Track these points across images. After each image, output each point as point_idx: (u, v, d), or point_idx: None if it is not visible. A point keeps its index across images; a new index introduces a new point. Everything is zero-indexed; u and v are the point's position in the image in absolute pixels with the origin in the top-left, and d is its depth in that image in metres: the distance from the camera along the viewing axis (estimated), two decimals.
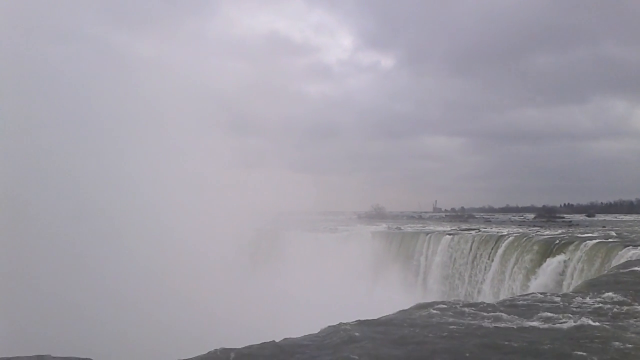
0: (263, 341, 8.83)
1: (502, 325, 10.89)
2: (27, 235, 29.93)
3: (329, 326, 10.38)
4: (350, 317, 11.22)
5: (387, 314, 12.09)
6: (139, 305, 28.04)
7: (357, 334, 9.45)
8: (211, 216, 41.77)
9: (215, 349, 7.80)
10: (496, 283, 36.67)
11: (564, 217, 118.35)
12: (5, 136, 33.36)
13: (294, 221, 55.28)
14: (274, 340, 9.01)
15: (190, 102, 49.21)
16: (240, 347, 8.35)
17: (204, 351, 7.91)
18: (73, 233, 30.93)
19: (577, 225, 72.96)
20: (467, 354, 8.33)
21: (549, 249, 34.52)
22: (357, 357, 8.03)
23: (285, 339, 9.27)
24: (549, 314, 11.92)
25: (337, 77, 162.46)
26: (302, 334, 9.77)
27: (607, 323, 11.10)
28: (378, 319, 11.42)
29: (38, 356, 2.67)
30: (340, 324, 10.38)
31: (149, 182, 39.01)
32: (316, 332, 10.06)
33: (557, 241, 35.18)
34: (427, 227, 65.93)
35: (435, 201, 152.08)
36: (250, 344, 8.57)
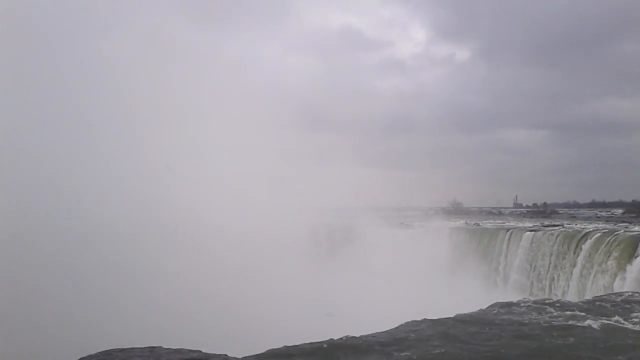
0: (340, 336, 8.96)
1: (587, 324, 10.50)
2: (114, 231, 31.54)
3: (406, 323, 10.41)
4: (426, 314, 11.19)
5: (465, 312, 11.95)
6: (219, 298, 28.96)
7: (433, 331, 9.43)
8: (285, 211, 42.49)
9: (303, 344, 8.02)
10: (581, 281, 35.10)
11: None
12: (100, 136, 35.57)
13: (369, 217, 55.13)
14: (349, 335, 9.14)
15: (266, 99, 50.34)
16: (318, 340, 8.52)
17: (281, 343, 8.12)
18: (161, 232, 32.39)
19: None
20: (548, 357, 8.14)
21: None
22: (433, 355, 8.04)
23: (363, 335, 9.39)
24: None
25: (410, 71, 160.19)
26: (379, 330, 9.83)
27: None
28: (455, 316, 11.32)
29: (150, 347, 2.93)
30: (416, 321, 10.38)
31: (228, 179, 40.21)
32: (392, 328, 10.11)
33: None
34: (507, 223, 63.92)
35: (516, 196, 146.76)
36: (328, 338, 8.72)
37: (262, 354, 6.93)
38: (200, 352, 2.85)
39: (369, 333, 9.43)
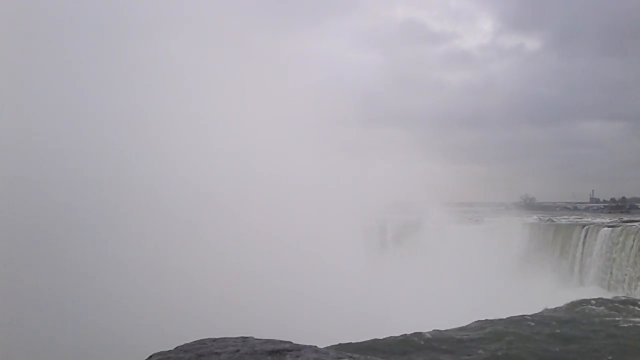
0: (405, 332, 9.02)
1: None
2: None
3: (478, 321, 10.36)
4: (499, 312, 11.07)
5: (539, 311, 11.72)
6: (288, 291, 29.47)
7: (506, 329, 9.35)
8: (347, 207, 42.59)
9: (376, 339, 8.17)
10: None
11: None
12: (169, 135, 36.91)
13: (436, 212, 54.34)
14: (417, 332, 9.21)
15: (329, 95, 50.52)
16: (383, 337, 8.63)
17: (346, 338, 8.24)
18: (241, 231, 33.39)
19: None
20: (630, 357, 7.90)
21: None
22: (507, 354, 8.02)
23: (434, 330, 9.44)
24: None
25: (477, 63, 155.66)
26: (449, 327, 9.83)
27: None
28: (529, 315, 11.14)
29: (242, 337, 3.13)
30: (488, 319, 10.31)
31: (292, 174, 40.78)
32: (464, 325, 10.09)
33: None
34: (583, 219, 61.39)
35: (592, 191, 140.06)
36: (390, 335, 8.80)
37: (350, 344, 7.12)
38: (291, 342, 3.01)
39: (438, 329, 9.44)
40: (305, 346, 2.93)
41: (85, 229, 29.88)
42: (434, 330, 9.60)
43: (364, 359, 2.82)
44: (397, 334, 8.67)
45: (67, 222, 29.80)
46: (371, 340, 7.93)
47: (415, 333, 9.10)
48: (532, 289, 36.37)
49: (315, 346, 2.96)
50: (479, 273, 38.32)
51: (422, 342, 8.60)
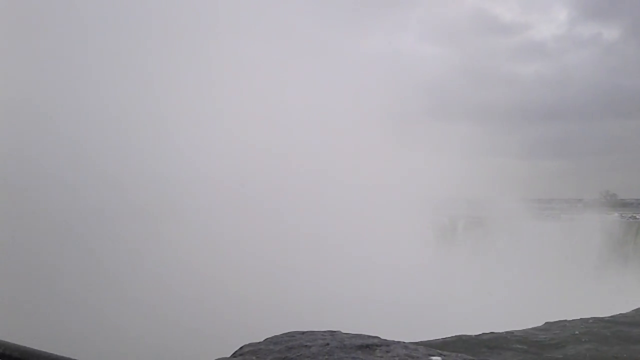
0: (480, 332, 9.01)
1: None
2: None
3: (554, 322, 10.21)
4: (576, 313, 10.85)
5: (620, 312, 11.38)
6: (354, 291, 29.51)
7: (584, 331, 9.19)
8: (417, 202, 42.17)
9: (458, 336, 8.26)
10: None
11: None
12: (247, 137, 37.85)
13: (509, 209, 52.73)
14: (491, 332, 9.17)
15: (399, 90, 50.16)
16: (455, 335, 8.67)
17: (418, 335, 8.23)
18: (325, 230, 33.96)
19: None
20: None
21: None
22: (584, 357, 7.92)
23: (508, 331, 9.40)
24: None
25: (552, 54, 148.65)
26: (524, 327, 9.74)
27: None
28: (608, 317, 10.84)
29: (330, 331, 3.28)
30: (565, 320, 10.14)
31: (364, 171, 40.82)
32: (539, 325, 9.98)
33: None
34: None
35: None
36: (462, 333, 8.82)
37: (432, 341, 7.25)
38: (379, 337, 3.15)
39: (511, 330, 9.38)
40: (393, 342, 3.07)
41: (173, 227, 31.12)
42: (506, 331, 9.55)
43: (455, 356, 2.91)
44: (471, 332, 8.72)
45: (153, 220, 31.11)
46: (454, 337, 8.02)
47: (503, 332, 9.07)
48: (612, 290, 34.84)
49: (404, 342, 3.11)
50: (556, 272, 37.07)
51: (507, 341, 8.60)
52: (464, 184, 51.61)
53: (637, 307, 12.35)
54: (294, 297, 27.41)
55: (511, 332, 9.31)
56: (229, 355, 3.43)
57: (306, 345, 3.38)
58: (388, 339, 3.24)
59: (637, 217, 59.43)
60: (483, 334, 8.81)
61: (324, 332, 3.49)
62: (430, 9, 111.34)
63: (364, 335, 3.26)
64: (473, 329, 9.02)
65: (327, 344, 3.30)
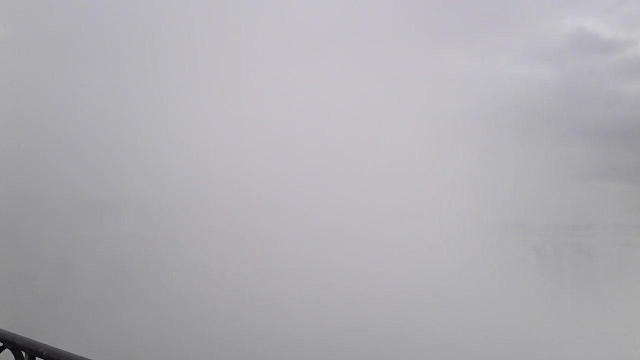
0: None
1: None
2: None
3: None
4: None
5: None
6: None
7: None
8: (510, 228, 40.03)
9: None
10: None
11: None
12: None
13: (614, 235, 48.80)
14: None
15: (497, 111, 48.88)
16: None
17: None
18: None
19: None
20: None
21: None
22: None
23: None
24: None
25: None
26: None
27: None
28: None
29: None
30: None
31: (459, 197, 39.25)
32: None
33: None
34: None
35: None
36: None
37: None
38: None
39: None
40: None
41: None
42: None
43: None
44: None
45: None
46: None
47: None
48: None
49: None
50: None
51: None
52: (565, 208, 48.61)
53: None
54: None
55: None
56: None
57: None
58: None
59: None
60: None
61: None
62: (528, 30, 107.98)
63: None
64: None
65: None
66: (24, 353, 3.76)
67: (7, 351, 3.85)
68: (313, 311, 24.31)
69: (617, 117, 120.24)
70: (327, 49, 42.41)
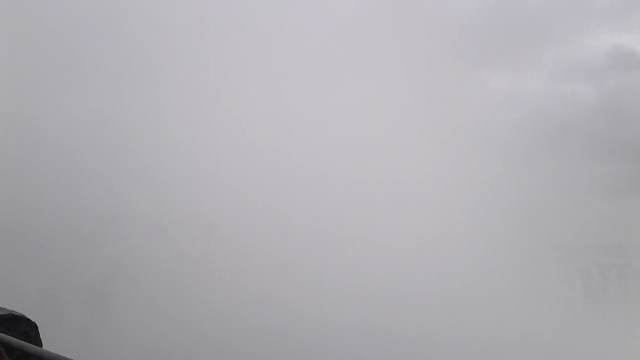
0: None
1: None
2: None
3: None
4: None
5: None
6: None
7: None
8: (557, 250, 39.01)
9: None
10: None
11: None
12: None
13: None
14: None
15: (534, 131, 48.26)
16: None
17: None
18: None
19: None
20: None
21: None
22: None
23: None
24: None
25: None
26: None
27: None
28: None
29: None
30: None
31: (498, 218, 38.63)
32: None
33: None
34: None
35: None
36: None
37: None
38: None
39: None
40: None
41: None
42: None
43: None
44: None
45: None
46: None
47: None
48: None
49: None
50: None
51: None
52: (610, 228, 47.28)
53: None
54: None
55: None
56: None
57: None
58: None
59: None
60: None
61: None
62: (564, 47, 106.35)
63: None
64: None
65: None
66: None
67: None
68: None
69: None
70: (367, 73, 42.63)
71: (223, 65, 38.19)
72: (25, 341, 4.42)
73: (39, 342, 4.96)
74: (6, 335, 4.46)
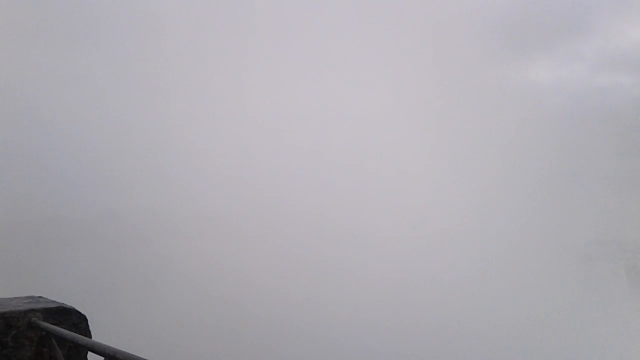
0: None
1: None
2: None
3: None
4: None
5: None
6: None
7: None
8: (600, 245, 38.22)
9: None
10: None
11: None
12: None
13: None
14: None
15: (573, 124, 47.59)
16: None
17: None
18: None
19: None
20: None
21: None
22: None
23: None
24: None
25: None
26: None
27: None
28: None
29: None
30: None
31: (535, 219, 38.15)
32: None
33: None
34: None
35: None
36: None
37: None
38: None
39: None
40: None
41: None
42: None
43: None
44: None
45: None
46: None
47: None
48: None
49: None
50: None
51: None
52: None
53: None
54: None
55: None
56: None
57: None
58: None
59: None
60: None
61: None
62: (605, 38, 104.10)
63: None
64: None
65: None
66: None
67: None
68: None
69: None
70: (400, 69, 42.75)
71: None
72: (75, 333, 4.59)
73: (88, 334, 5.10)
74: (57, 327, 4.65)
